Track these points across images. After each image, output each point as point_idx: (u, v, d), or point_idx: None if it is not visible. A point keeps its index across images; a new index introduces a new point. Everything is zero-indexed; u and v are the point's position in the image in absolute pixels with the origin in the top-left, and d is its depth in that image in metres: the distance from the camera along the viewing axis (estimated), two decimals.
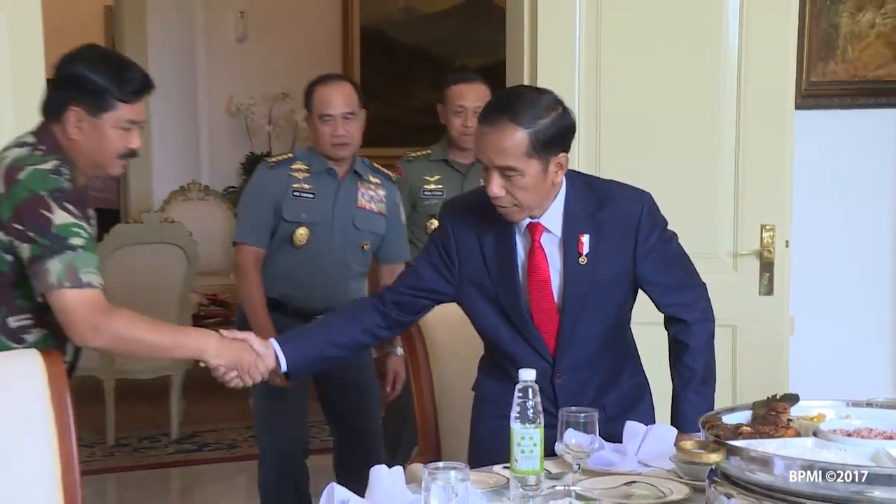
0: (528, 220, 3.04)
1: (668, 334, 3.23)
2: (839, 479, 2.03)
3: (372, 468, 2.57)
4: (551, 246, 3.07)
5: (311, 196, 4.10)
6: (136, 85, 3.05)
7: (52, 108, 3.05)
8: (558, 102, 2.99)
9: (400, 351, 4.24)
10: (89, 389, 6.33)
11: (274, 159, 4.29)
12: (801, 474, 2.04)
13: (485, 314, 3.13)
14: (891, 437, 2.28)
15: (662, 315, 3.23)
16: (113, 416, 6.48)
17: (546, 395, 3.00)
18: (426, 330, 3.61)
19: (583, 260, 3.06)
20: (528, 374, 2.54)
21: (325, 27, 8.61)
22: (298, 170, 4.15)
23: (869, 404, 2.50)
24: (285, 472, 4.20)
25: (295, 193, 4.09)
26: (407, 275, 3.26)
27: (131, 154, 3.12)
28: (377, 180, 4.29)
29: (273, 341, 3.13)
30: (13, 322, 2.98)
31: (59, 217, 2.86)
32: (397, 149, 8.54)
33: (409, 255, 4.68)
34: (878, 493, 2.01)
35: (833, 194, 4.97)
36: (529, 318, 3.07)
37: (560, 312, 3.08)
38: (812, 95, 5.01)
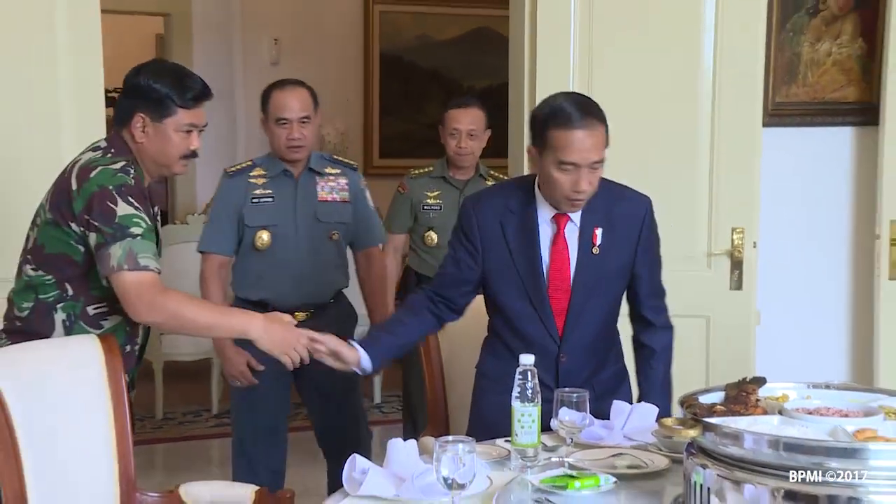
0: (554, 212, 3.06)
1: (635, 333, 3.28)
2: (801, 452, 2.04)
3: (389, 441, 2.56)
4: (571, 235, 3.08)
5: (269, 200, 3.90)
6: (194, 93, 3.09)
7: (121, 115, 3.07)
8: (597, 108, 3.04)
9: None
10: (142, 370, 6.33)
11: (233, 168, 4.06)
12: (769, 448, 2.06)
13: (506, 293, 3.11)
14: (846, 415, 2.28)
15: (632, 311, 3.29)
16: (161, 394, 6.51)
17: (549, 372, 3.05)
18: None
19: (595, 250, 3.08)
20: (527, 359, 2.56)
21: (348, 52, 8.58)
22: (257, 176, 3.94)
23: (827, 386, 2.51)
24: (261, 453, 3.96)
25: (254, 200, 3.88)
26: (444, 277, 3.22)
27: (192, 155, 3.16)
28: (337, 170, 4.09)
29: (356, 344, 3.10)
30: (91, 310, 3.00)
31: (123, 209, 2.89)
32: (411, 159, 8.55)
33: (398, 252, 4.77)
34: (834, 463, 2.01)
35: (796, 201, 4.98)
36: (547, 297, 3.07)
37: (571, 296, 3.08)
38: (777, 115, 5.01)
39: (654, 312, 3.25)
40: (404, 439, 2.59)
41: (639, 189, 3.23)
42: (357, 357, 3.05)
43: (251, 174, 3.92)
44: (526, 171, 4.62)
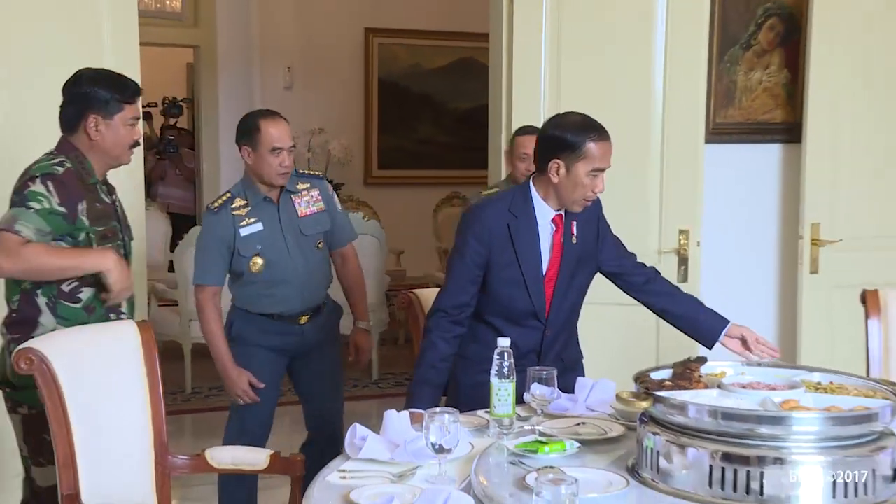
0: (553, 213, 3.06)
1: (647, 297, 3.26)
2: (736, 420, 2.06)
3: (385, 412, 2.54)
4: (564, 231, 3.10)
5: (258, 227, 3.62)
6: (132, 90, 3.05)
7: (70, 121, 3.01)
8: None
9: (362, 324, 3.98)
10: (172, 351, 6.36)
11: (216, 204, 3.70)
12: (709, 417, 2.07)
13: (506, 284, 3.06)
14: (773, 388, 2.30)
15: (626, 282, 3.25)
16: (189, 371, 6.48)
17: (534, 347, 3.09)
18: (424, 303, 3.55)
19: (574, 240, 3.10)
20: (504, 342, 2.56)
21: (351, 78, 8.57)
22: (239, 207, 3.64)
23: (759, 364, 2.53)
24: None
25: (243, 232, 3.60)
26: (457, 284, 3.08)
27: (136, 144, 3.11)
28: (307, 184, 3.81)
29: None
30: (66, 288, 2.94)
31: (36, 187, 2.84)
32: (405, 170, 8.61)
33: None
34: (764, 429, 2.04)
35: (733, 207, 4.99)
36: (543, 285, 3.08)
37: (556, 280, 3.09)
38: (717, 133, 5.02)
39: (640, 268, 3.26)
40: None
41: (601, 195, 3.25)
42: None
43: (233, 206, 3.65)
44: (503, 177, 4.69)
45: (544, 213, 3.06)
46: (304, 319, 3.72)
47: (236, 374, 3.64)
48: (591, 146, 2.95)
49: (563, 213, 3.07)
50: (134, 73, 4.26)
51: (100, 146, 3.00)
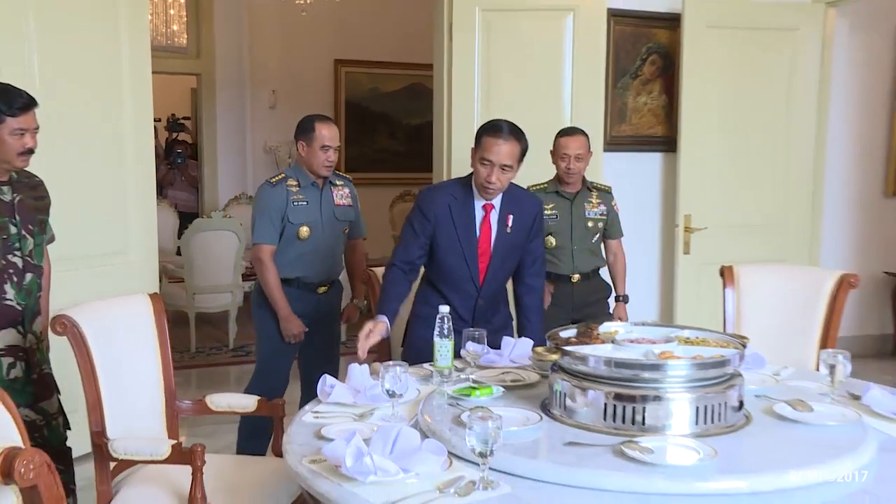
0: (483, 202, 3.06)
1: (518, 293, 3.26)
2: (625, 367, 2.09)
3: (350, 365, 2.54)
4: (493, 219, 3.09)
5: (305, 203, 3.61)
6: (20, 104, 2.65)
7: None
8: (524, 137, 3.03)
9: (357, 301, 3.97)
10: (180, 318, 6.28)
11: (273, 179, 3.68)
12: (604, 365, 2.09)
13: (448, 253, 3.07)
14: (654, 342, 2.31)
15: (519, 277, 3.24)
16: (194, 334, 6.41)
17: (469, 311, 3.11)
18: (380, 278, 3.42)
19: (508, 230, 3.09)
20: (444, 309, 2.54)
21: (323, 99, 8.50)
22: (292, 185, 3.62)
23: (643, 324, 2.54)
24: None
25: (294, 203, 3.58)
26: (408, 246, 3.09)
27: (29, 151, 2.70)
28: (341, 182, 3.79)
29: (383, 317, 2.92)
30: None
31: None
32: (366, 173, 8.55)
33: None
34: (646, 374, 2.07)
35: (625, 202, 5.01)
36: (477, 259, 3.08)
37: (490, 259, 3.10)
38: (612, 144, 5.10)
39: (536, 279, 3.25)
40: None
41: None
42: (385, 326, 2.91)
43: (288, 183, 3.63)
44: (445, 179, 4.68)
45: (478, 201, 3.07)
46: (322, 289, 3.72)
47: (292, 318, 3.59)
48: (484, 139, 2.96)
49: (492, 203, 3.07)
50: (146, 95, 4.30)
51: None
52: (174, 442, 2.50)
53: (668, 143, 5.25)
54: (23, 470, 1.38)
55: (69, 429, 3.01)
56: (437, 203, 3.08)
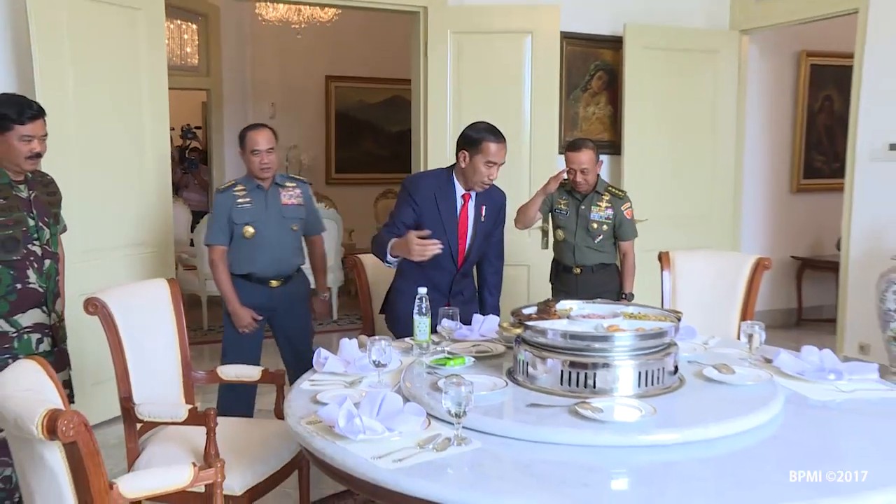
0: (463, 192, 3.04)
1: (481, 270, 3.25)
2: (578, 339, 2.09)
3: (341, 340, 2.53)
4: (472, 207, 3.07)
5: (249, 205, 3.37)
6: (29, 114, 2.64)
7: None
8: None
9: (321, 294, 3.70)
10: (193, 300, 6.22)
11: (223, 186, 3.46)
12: (561, 337, 2.09)
13: (431, 234, 2.97)
14: (603, 318, 2.32)
15: (484, 257, 3.22)
16: (206, 314, 6.35)
17: (447, 284, 3.09)
18: (366, 264, 3.53)
19: (482, 219, 3.08)
20: (422, 291, 2.54)
21: (316, 110, 8.45)
22: (239, 190, 3.38)
23: (594, 301, 2.54)
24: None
25: (239, 205, 3.36)
26: (396, 223, 3.02)
27: (37, 156, 2.68)
28: (293, 184, 3.52)
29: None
30: None
31: None
32: (354, 174, 8.55)
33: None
34: (596, 345, 2.07)
35: None
36: (457, 241, 3.06)
37: (468, 243, 3.08)
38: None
39: (498, 260, 3.25)
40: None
41: (506, 187, 3.26)
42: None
43: (235, 189, 3.40)
44: None
45: (458, 191, 3.05)
46: (274, 283, 3.47)
47: (242, 311, 3.41)
48: (491, 144, 2.93)
49: (470, 193, 3.05)
50: (163, 108, 4.29)
51: (1, 155, 2.66)
52: (190, 406, 2.49)
53: (613, 146, 5.27)
54: (64, 428, 1.39)
55: (73, 402, 2.95)
56: (422, 188, 3.05)
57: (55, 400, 1.52)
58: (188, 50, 7.89)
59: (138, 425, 2.56)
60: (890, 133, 4.61)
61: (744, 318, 3.20)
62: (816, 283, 6.34)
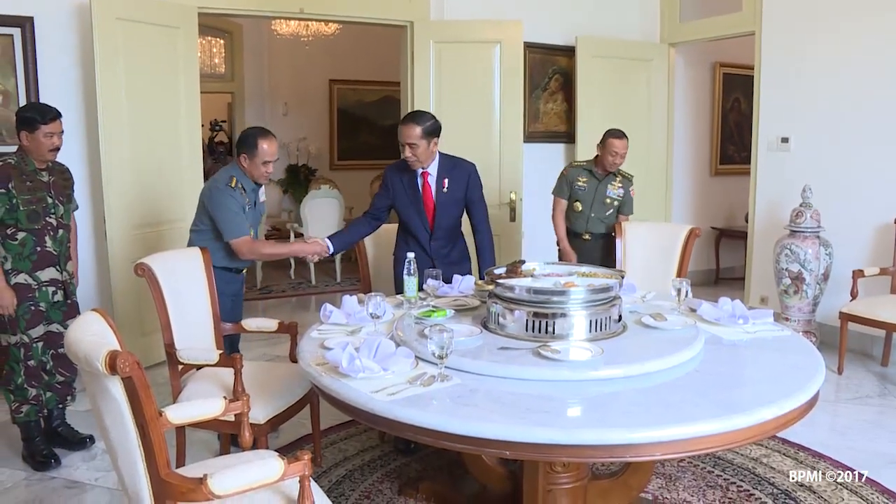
0: (422, 170, 2.98)
1: (474, 234, 3.14)
2: (541, 294, 2.07)
3: (343, 297, 2.48)
4: (432, 181, 3.01)
5: (248, 206, 2.88)
6: (50, 116, 2.72)
7: (16, 134, 2.77)
8: (434, 118, 2.94)
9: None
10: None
11: (231, 185, 2.84)
12: (526, 293, 2.08)
13: (404, 210, 3.01)
14: (560, 276, 2.31)
15: (472, 225, 3.12)
16: (259, 275, 6.34)
17: (426, 248, 3.03)
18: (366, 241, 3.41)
19: (445, 190, 3.02)
20: (410, 255, 2.52)
21: (322, 108, 8.31)
22: (242, 189, 2.85)
23: (553, 263, 2.54)
24: None
25: (246, 209, 2.87)
26: (375, 204, 3.06)
27: (56, 149, 2.77)
28: (262, 184, 3.02)
29: (326, 240, 2.98)
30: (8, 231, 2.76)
31: None
32: (353, 160, 8.43)
33: (562, 208, 3.87)
34: (555, 298, 2.06)
35: (538, 179, 5.01)
36: (424, 212, 3.01)
37: (434, 211, 3.02)
38: (530, 137, 5.05)
39: (484, 225, 3.12)
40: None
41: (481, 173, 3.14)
42: (325, 246, 2.97)
43: (241, 190, 2.88)
44: None
45: (419, 172, 3.00)
46: (242, 271, 3.09)
47: (309, 246, 3.04)
48: (398, 128, 2.94)
49: (428, 171, 2.99)
50: (196, 108, 4.25)
51: (29, 150, 2.75)
52: (220, 352, 2.48)
53: (568, 136, 5.25)
54: (122, 365, 1.41)
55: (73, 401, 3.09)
56: (392, 176, 3.05)
57: (114, 343, 1.52)
58: (216, 60, 7.90)
59: (179, 367, 2.54)
60: (782, 129, 4.67)
61: (679, 276, 3.21)
62: (730, 249, 6.40)
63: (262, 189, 3.10)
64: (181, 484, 1.48)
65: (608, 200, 3.81)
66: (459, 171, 3.04)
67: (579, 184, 3.83)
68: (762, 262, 4.76)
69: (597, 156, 3.85)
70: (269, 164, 2.89)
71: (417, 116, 2.91)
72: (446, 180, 3.02)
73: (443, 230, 3.06)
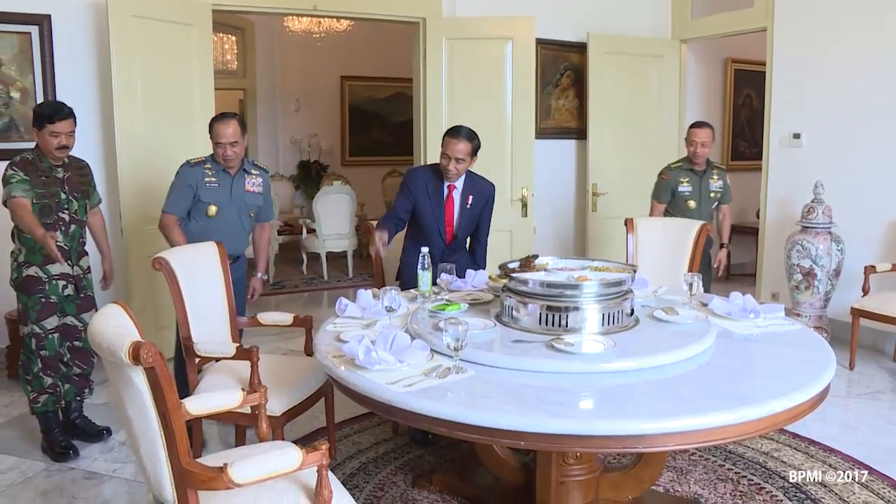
0: (448, 183, 3.03)
1: (473, 245, 3.20)
2: (554, 287, 2.09)
3: (358, 291, 2.50)
4: (457, 196, 3.05)
5: (217, 186, 2.95)
6: (59, 115, 2.73)
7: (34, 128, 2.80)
8: (478, 137, 2.98)
9: (259, 274, 3.24)
10: (312, 257, 6.14)
11: (194, 161, 2.98)
12: (540, 286, 2.10)
13: (425, 217, 3.03)
14: (573, 270, 2.32)
15: (473, 238, 3.19)
16: (325, 267, 6.40)
17: (441, 255, 3.04)
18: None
19: (469, 206, 3.06)
20: (425, 249, 2.54)
21: (333, 104, 8.32)
22: (207, 169, 2.94)
23: (567, 258, 2.54)
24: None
25: (207, 184, 2.93)
26: (398, 208, 3.03)
27: (64, 148, 2.78)
28: (257, 172, 3.08)
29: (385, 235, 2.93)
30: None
31: (8, 172, 2.75)
32: (365, 156, 8.45)
33: (658, 213, 3.86)
34: (568, 291, 2.07)
35: (550, 175, 5.02)
36: (444, 224, 3.05)
37: (454, 225, 3.07)
38: (541, 133, 5.03)
39: (484, 238, 3.20)
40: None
41: (482, 169, 3.18)
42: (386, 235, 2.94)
43: (205, 167, 2.96)
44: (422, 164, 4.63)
45: (445, 183, 3.04)
46: (228, 261, 2.99)
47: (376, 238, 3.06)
48: (446, 139, 2.95)
49: (454, 185, 3.04)
50: (210, 105, 4.27)
51: (40, 147, 2.80)
52: (237, 345, 2.50)
53: (580, 132, 5.23)
54: (145, 356, 1.44)
55: (91, 393, 3.13)
56: (417, 181, 3.05)
57: (136, 335, 1.55)
58: (229, 57, 7.90)
59: (197, 360, 2.57)
60: (794, 125, 4.64)
61: (690, 272, 3.21)
62: (742, 244, 6.35)
63: (260, 180, 3.09)
64: (202, 472, 1.49)
65: (712, 195, 3.87)
66: (481, 190, 3.10)
67: (683, 185, 3.84)
68: (773, 258, 4.74)
69: (686, 155, 3.86)
70: (225, 147, 2.91)
71: (470, 134, 2.95)
72: (471, 197, 3.07)
73: (458, 242, 3.13)
